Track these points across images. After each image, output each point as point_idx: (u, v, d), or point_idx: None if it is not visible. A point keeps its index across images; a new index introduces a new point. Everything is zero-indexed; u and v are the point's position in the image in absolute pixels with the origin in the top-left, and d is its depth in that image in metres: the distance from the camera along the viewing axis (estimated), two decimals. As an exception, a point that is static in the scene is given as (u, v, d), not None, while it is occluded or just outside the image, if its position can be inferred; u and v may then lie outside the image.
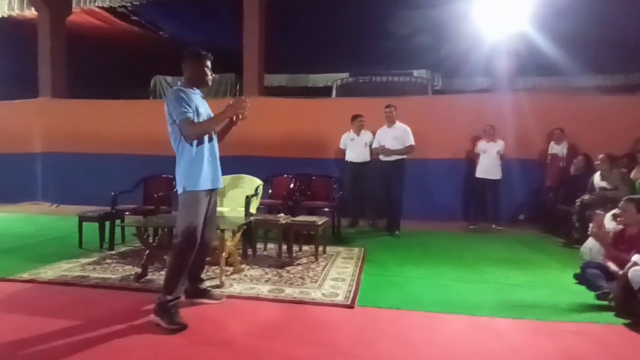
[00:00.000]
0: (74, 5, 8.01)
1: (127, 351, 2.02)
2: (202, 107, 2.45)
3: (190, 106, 2.33)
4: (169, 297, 2.28)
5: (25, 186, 7.60)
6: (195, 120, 2.33)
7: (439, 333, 2.30)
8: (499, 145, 5.44)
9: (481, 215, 5.62)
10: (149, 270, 3.15)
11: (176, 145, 2.40)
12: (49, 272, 3.27)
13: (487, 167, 5.44)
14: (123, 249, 4.08)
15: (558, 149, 5.48)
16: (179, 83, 2.52)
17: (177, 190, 2.45)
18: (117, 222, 4.19)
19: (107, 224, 4.13)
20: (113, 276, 3.17)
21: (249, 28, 6.91)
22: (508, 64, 6.29)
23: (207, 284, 2.83)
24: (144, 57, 10.39)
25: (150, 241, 3.30)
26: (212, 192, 2.50)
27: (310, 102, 6.71)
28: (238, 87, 8.79)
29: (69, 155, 7.23)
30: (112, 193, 4.37)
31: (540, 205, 5.60)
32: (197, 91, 2.51)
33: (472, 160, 5.72)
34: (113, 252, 3.97)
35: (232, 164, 5.00)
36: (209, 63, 2.48)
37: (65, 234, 4.75)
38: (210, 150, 2.46)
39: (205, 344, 2.09)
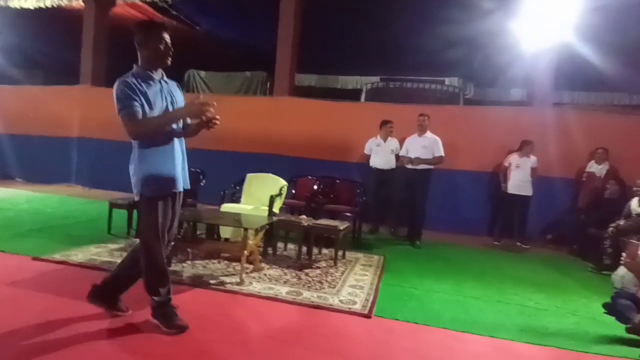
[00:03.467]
0: (117, -2, 8.34)
1: (147, 340, 2.08)
2: (159, 97, 2.05)
3: (135, 98, 1.96)
4: (155, 299, 2.14)
5: (61, 168, 7.97)
6: (145, 114, 1.98)
7: (459, 353, 2.26)
8: (532, 160, 5.26)
9: (507, 231, 5.46)
10: (172, 261, 3.24)
11: (133, 144, 2.09)
12: (79, 255, 3.41)
13: (519, 182, 5.27)
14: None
15: (597, 168, 5.25)
16: (134, 68, 2.11)
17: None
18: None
19: (135, 212, 4.26)
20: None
21: (284, 28, 6.97)
22: (548, 76, 6.06)
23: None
24: (180, 51, 10.67)
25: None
26: (172, 196, 2.16)
27: (339, 104, 6.71)
28: (269, 85, 8.87)
29: (104, 142, 7.51)
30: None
31: (570, 227, 5.39)
32: (156, 76, 2.09)
33: (500, 174, 5.57)
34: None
35: (257, 161, 5.10)
36: (166, 36, 2.06)
37: (94, 218, 4.94)
38: (167, 149, 2.09)
39: (223, 341, 2.13)
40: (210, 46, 10.94)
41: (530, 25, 6.02)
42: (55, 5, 8.53)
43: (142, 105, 1.98)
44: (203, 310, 2.50)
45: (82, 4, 8.08)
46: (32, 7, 8.74)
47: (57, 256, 3.31)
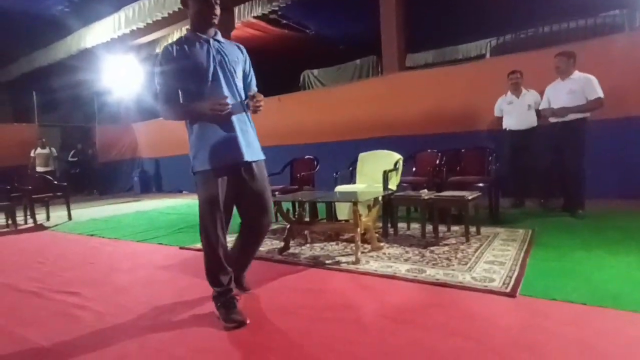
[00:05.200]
0: (236, 21, 9.26)
1: (259, 311, 2.08)
2: (204, 58, 1.93)
3: (167, 75, 1.90)
4: (215, 290, 2.00)
5: (188, 180, 9.25)
6: (171, 91, 1.91)
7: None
8: None
9: None
10: (290, 244, 3.26)
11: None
12: (214, 243, 3.76)
13: None
14: (274, 226, 4.40)
15: None
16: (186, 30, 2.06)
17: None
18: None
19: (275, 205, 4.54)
20: (262, 249, 3.40)
21: (386, 6, 6.61)
22: None
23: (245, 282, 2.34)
24: (294, 55, 11.27)
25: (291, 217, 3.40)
26: (232, 169, 1.97)
27: (455, 68, 5.96)
28: (379, 68, 8.56)
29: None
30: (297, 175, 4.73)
31: None
32: (205, 37, 1.97)
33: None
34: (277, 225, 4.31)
35: (373, 146, 4.84)
36: None
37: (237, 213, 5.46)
38: (223, 122, 1.93)
39: (331, 319, 1.95)
40: (320, 45, 11.26)
41: None
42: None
43: (177, 75, 1.90)
44: (316, 287, 2.38)
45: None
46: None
47: (199, 245, 3.70)
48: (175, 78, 1.92)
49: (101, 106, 11.58)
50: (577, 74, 3.92)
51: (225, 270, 1.99)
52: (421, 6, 7.26)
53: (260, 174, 2.07)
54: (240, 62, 2.07)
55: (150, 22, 8.84)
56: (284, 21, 10.36)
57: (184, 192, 9.89)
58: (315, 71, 9.95)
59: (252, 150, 2.02)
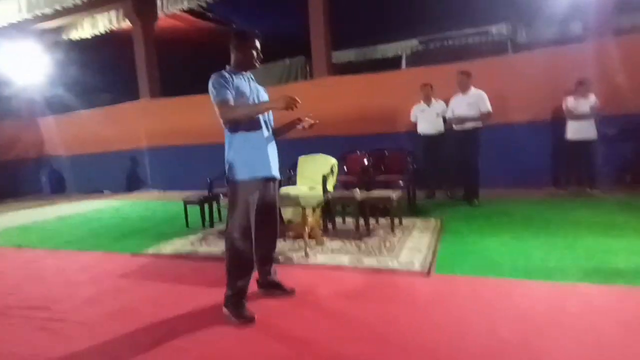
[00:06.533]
0: (159, 13, 8.93)
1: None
2: (248, 89, 2.30)
3: (228, 87, 2.18)
4: (229, 292, 2.28)
5: (138, 177, 8.95)
6: (232, 103, 2.19)
7: (519, 299, 2.32)
8: (591, 100, 4.89)
9: (574, 179, 5.19)
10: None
11: (225, 133, 2.30)
12: (167, 247, 3.94)
13: (579, 126, 4.95)
14: (221, 226, 4.68)
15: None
16: (227, 67, 2.33)
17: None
18: (214, 204, 4.84)
19: (206, 206, 4.77)
20: (216, 249, 3.71)
21: (314, 9, 7.04)
22: (604, 1, 5.47)
23: (278, 277, 2.61)
24: (220, 50, 11.18)
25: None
26: (265, 182, 2.32)
27: (378, 76, 6.68)
28: (308, 68, 9.01)
29: (170, 148, 8.27)
30: (208, 179, 4.97)
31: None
32: (246, 74, 2.36)
33: (559, 121, 5.25)
34: (213, 229, 4.59)
35: (305, 145, 5.31)
36: (257, 44, 2.32)
37: (173, 216, 5.57)
38: (258, 138, 2.28)
39: (297, 305, 2.42)
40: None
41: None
42: (108, 31, 9.38)
43: (231, 94, 2.19)
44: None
45: (130, 24, 8.79)
46: (89, 36, 9.71)
47: (151, 251, 3.86)
48: (231, 93, 2.21)
49: (-3, 99, 10.26)
50: (473, 89, 4.85)
51: (248, 274, 2.29)
52: (343, 5, 7.81)
53: (277, 189, 2.49)
54: (266, 97, 2.46)
55: (60, 8, 8.12)
56: (209, 14, 10.23)
57: (105, 192, 9.38)
58: (243, 68, 10.04)
59: (277, 168, 2.42)
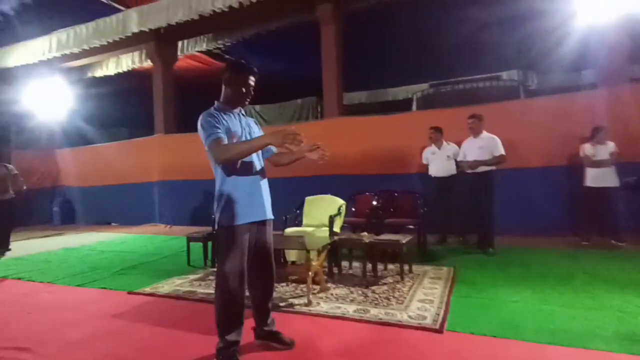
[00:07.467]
0: (179, 53, 9.33)
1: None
2: (239, 128, 2.17)
3: (219, 127, 2.05)
4: (220, 345, 2.12)
5: (146, 210, 8.92)
6: (226, 142, 2.06)
7: (542, 365, 2.08)
8: (610, 147, 4.74)
9: (596, 229, 4.93)
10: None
11: (216, 174, 2.18)
12: (165, 287, 3.78)
13: (599, 173, 4.77)
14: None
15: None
16: (215, 103, 2.22)
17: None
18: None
19: (210, 244, 4.63)
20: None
21: (327, 52, 7.25)
22: (619, 50, 5.46)
23: (275, 327, 2.43)
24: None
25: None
26: (256, 225, 2.19)
27: (389, 118, 6.69)
28: (319, 109, 9.17)
29: (179, 182, 8.30)
30: (213, 216, 4.86)
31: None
32: (236, 111, 2.21)
33: (576, 166, 5.09)
34: (214, 268, 4.42)
35: (314, 184, 5.24)
36: (251, 80, 2.18)
37: (176, 253, 5.43)
38: (250, 179, 2.16)
39: (295, 358, 2.21)
40: (262, 81, 11.66)
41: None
42: (130, 69, 9.80)
43: (223, 133, 2.06)
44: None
45: (151, 63, 9.16)
46: (112, 74, 10.15)
47: (147, 289, 3.70)
48: (223, 132, 2.07)
49: (20, 130, 10.62)
50: (485, 133, 4.76)
51: (239, 323, 2.14)
52: (356, 49, 8.05)
53: (271, 230, 2.34)
54: (258, 133, 2.32)
55: (87, 48, 8.55)
56: (227, 56, 10.63)
57: (112, 224, 9.37)
58: (258, 106, 10.29)
59: (269, 208, 2.29)
